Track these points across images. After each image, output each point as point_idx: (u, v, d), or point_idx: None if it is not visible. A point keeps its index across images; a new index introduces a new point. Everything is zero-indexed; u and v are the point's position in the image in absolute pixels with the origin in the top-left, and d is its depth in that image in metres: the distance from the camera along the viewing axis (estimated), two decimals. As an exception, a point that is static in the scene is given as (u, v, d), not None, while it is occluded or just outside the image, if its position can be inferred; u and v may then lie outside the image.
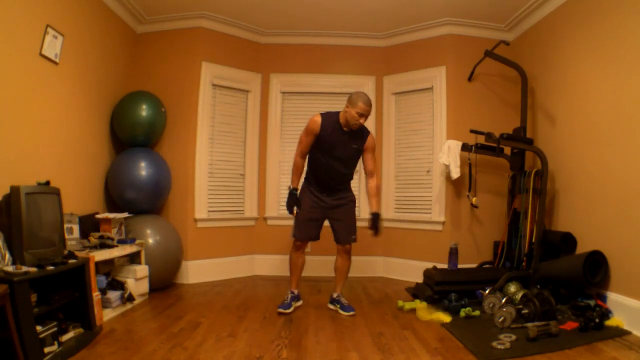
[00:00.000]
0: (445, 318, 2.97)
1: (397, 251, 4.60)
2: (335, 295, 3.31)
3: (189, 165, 4.22)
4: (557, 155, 3.60)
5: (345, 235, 3.26)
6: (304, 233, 3.25)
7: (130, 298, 3.19)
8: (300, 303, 3.38)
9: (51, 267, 2.27)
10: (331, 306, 3.30)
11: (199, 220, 4.25)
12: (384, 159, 4.73)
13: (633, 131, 2.79)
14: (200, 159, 4.27)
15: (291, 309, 3.21)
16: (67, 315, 2.45)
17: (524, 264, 3.59)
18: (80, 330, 2.47)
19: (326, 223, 3.32)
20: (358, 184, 4.73)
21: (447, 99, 4.32)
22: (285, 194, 3.79)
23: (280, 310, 3.16)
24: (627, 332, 2.64)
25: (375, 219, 3.18)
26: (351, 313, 3.15)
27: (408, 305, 3.27)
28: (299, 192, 3.27)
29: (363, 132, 3.20)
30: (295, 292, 3.35)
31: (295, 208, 3.21)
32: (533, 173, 3.60)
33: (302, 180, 3.35)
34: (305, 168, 3.32)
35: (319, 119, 3.13)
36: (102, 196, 3.85)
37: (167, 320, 2.91)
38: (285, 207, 3.30)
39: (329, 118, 3.15)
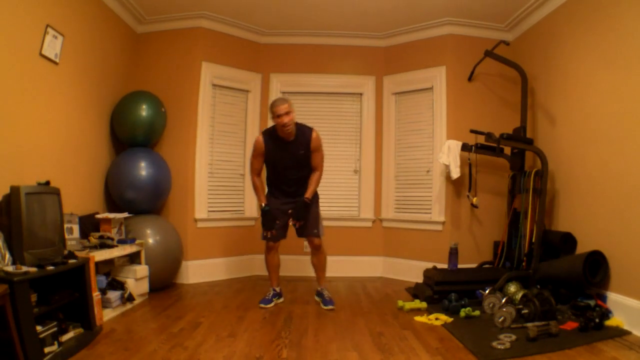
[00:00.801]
0: (446, 318, 2.97)
1: (397, 251, 4.60)
2: (319, 288, 3.49)
3: (189, 165, 4.22)
4: (557, 155, 3.60)
5: (309, 228, 3.33)
6: (273, 236, 3.35)
7: (130, 298, 3.19)
8: (281, 300, 3.52)
9: (51, 267, 2.27)
10: (317, 298, 3.49)
11: (199, 220, 4.25)
12: (384, 159, 4.73)
13: (633, 131, 2.79)
14: (200, 159, 4.27)
15: (272, 305, 3.37)
16: (67, 315, 2.45)
17: (524, 264, 3.59)
18: (80, 330, 2.47)
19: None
20: (358, 184, 4.74)
21: (447, 99, 4.32)
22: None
23: (262, 305, 3.33)
24: (627, 332, 2.64)
25: (300, 205, 3.26)
26: (329, 307, 3.29)
27: (408, 305, 3.27)
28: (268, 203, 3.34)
29: (305, 135, 3.28)
30: (277, 289, 3.51)
31: (277, 222, 3.30)
32: (533, 173, 3.60)
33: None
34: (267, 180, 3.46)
35: (260, 139, 3.30)
36: (102, 196, 3.85)
37: (167, 320, 2.92)
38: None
39: (269, 134, 3.30)
